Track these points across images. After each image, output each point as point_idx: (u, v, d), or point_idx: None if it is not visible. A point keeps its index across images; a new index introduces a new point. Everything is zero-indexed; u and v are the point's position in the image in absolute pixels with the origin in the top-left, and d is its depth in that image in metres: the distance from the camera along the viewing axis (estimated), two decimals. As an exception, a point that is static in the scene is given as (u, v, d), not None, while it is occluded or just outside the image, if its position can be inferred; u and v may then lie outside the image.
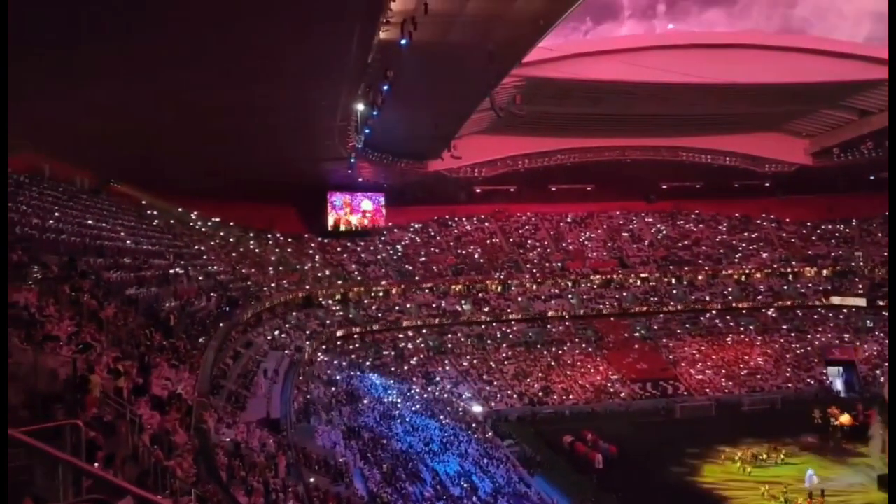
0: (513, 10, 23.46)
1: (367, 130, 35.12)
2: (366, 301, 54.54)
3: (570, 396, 48.15)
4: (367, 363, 48.21)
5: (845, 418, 38.82)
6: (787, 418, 41.30)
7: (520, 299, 57.09)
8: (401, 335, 52.93)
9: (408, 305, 54.77)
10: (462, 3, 22.31)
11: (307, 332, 45.29)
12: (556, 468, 35.57)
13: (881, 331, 53.33)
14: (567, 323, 56.24)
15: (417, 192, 55.37)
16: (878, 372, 48.35)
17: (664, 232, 63.76)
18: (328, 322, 49.72)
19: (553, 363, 51.65)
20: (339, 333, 49.46)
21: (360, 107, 31.72)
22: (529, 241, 62.01)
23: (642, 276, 59.80)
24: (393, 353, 50.89)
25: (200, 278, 31.66)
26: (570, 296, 57.89)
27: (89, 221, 26.30)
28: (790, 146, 56.48)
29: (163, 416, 10.60)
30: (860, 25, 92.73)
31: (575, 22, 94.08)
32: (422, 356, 51.21)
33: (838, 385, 49.24)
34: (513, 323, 55.63)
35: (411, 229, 61.04)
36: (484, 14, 23.56)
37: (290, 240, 54.58)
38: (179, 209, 46.43)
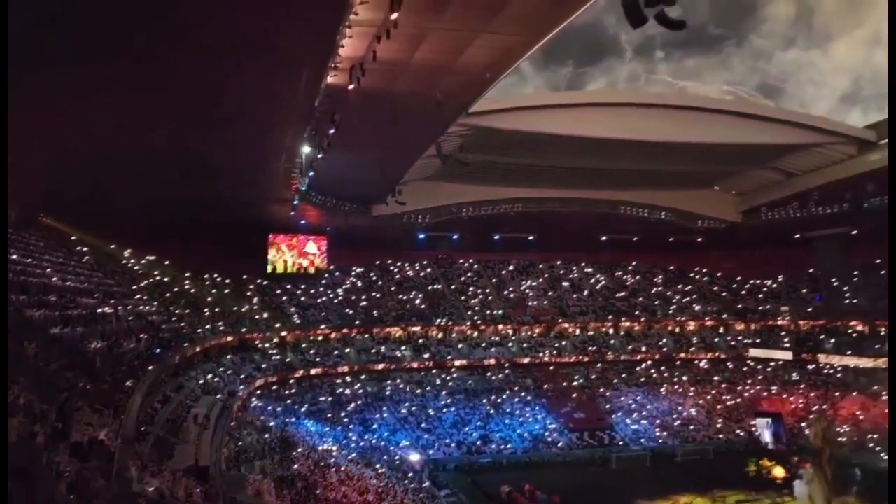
0: (460, 62, 23.99)
1: (311, 173, 35.02)
2: (304, 345, 53.53)
3: (509, 445, 47.90)
4: (303, 409, 47.03)
5: (778, 471, 39.72)
6: (720, 469, 42.02)
7: (460, 346, 57.00)
8: (339, 380, 51.98)
9: (347, 350, 53.99)
10: (411, 52, 22.70)
11: (242, 376, 44.04)
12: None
13: (806, 383, 55.26)
14: (507, 371, 56.33)
15: (361, 237, 55.13)
16: (803, 424, 49.83)
17: (603, 282, 65.03)
18: (264, 366, 48.49)
19: (492, 411, 51.44)
20: (274, 378, 48.21)
21: (306, 149, 31.68)
22: (471, 289, 62.29)
23: (581, 325, 60.62)
24: (330, 398, 49.85)
25: (130, 318, 30.59)
26: (510, 344, 58.13)
27: (14, 256, 25.21)
28: (722, 204, 58.83)
29: (82, 464, 10.06)
30: (836, 80, 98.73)
31: (555, 65, 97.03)
32: (359, 402, 50.31)
33: (766, 437, 50.46)
34: (453, 370, 55.38)
35: (353, 273, 60.59)
36: (432, 64, 24.01)
37: (227, 281, 53.37)
38: (112, 246, 45.00)
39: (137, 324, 30.92)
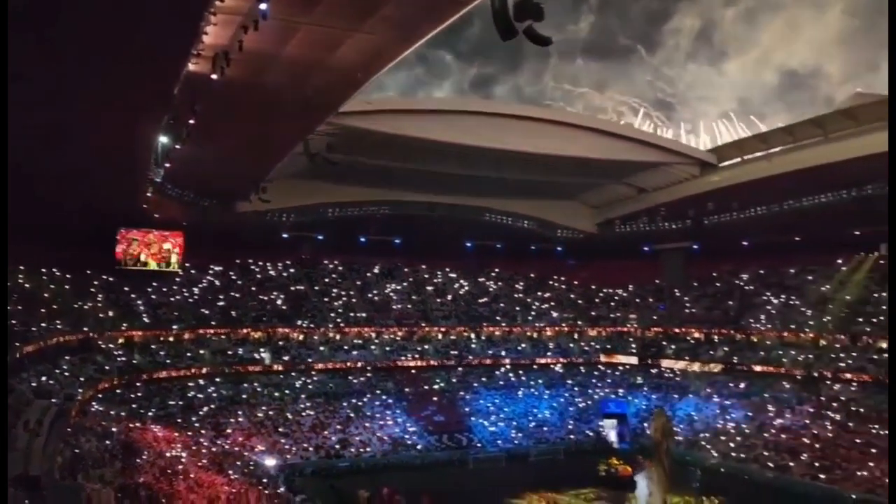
0: (332, 60, 23.68)
1: (167, 164, 33.21)
2: (154, 346, 50.57)
3: (368, 449, 47.67)
4: (150, 413, 44.39)
5: (624, 469, 42.28)
6: (569, 468, 44.22)
7: (322, 349, 56.09)
8: (191, 383, 49.53)
9: (201, 352, 51.58)
10: (280, 45, 22.11)
11: (82, 379, 40.94)
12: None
13: (649, 386, 59.22)
14: (369, 374, 56.08)
15: (220, 234, 52.86)
16: (645, 424, 53.30)
17: (466, 288, 66.37)
18: (108, 368, 45.33)
19: (352, 414, 51.03)
20: (118, 381, 45.19)
21: (163, 139, 30.02)
22: (335, 291, 61.51)
23: (444, 329, 61.47)
24: (181, 402, 47.39)
25: (-49, 314, 27.63)
26: (372, 347, 57.94)
27: None
28: (581, 215, 61.97)
29: None
30: (724, 97, 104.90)
31: (465, 64, 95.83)
32: (213, 406, 48.20)
33: (612, 436, 53.55)
34: (313, 373, 54.38)
35: (210, 272, 58.05)
36: (302, 60, 23.53)
37: (68, 276, 49.39)
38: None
39: (-41, 320, 28.01)
